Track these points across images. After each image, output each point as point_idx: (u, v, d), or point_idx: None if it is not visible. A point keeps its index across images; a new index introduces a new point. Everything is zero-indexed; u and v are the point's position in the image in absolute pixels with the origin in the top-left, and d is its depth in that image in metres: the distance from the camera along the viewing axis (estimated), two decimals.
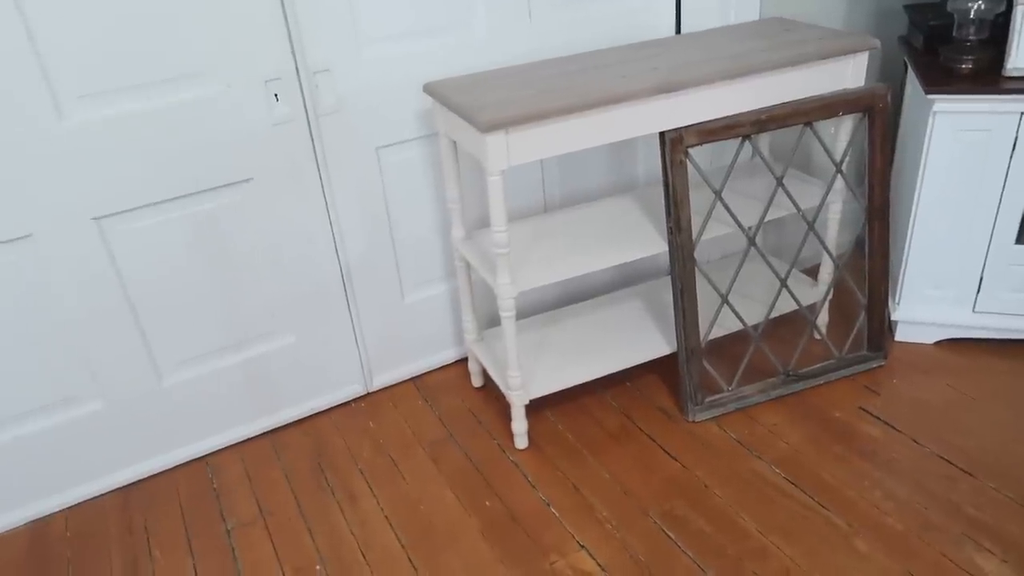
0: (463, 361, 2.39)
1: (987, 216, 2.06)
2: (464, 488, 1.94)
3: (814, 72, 1.88)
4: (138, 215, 1.82)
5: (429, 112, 2.04)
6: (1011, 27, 1.91)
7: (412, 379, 2.35)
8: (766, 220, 2.02)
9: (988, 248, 2.10)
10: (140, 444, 2.04)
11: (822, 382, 2.15)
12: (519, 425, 2.02)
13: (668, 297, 2.33)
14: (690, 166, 1.86)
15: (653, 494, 1.86)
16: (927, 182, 2.07)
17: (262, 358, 2.10)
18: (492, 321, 2.34)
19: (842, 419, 2.03)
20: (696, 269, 1.95)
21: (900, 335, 2.30)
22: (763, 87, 1.85)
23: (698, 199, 2.05)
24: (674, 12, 2.23)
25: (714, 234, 1.99)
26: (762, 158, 1.95)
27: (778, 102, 1.88)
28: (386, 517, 1.88)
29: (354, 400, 2.28)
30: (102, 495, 2.03)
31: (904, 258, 2.19)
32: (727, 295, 2.03)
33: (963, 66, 2.01)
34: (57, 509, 1.99)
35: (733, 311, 2.05)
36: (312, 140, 1.93)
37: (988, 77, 1.96)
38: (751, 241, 2.00)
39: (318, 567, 1.76)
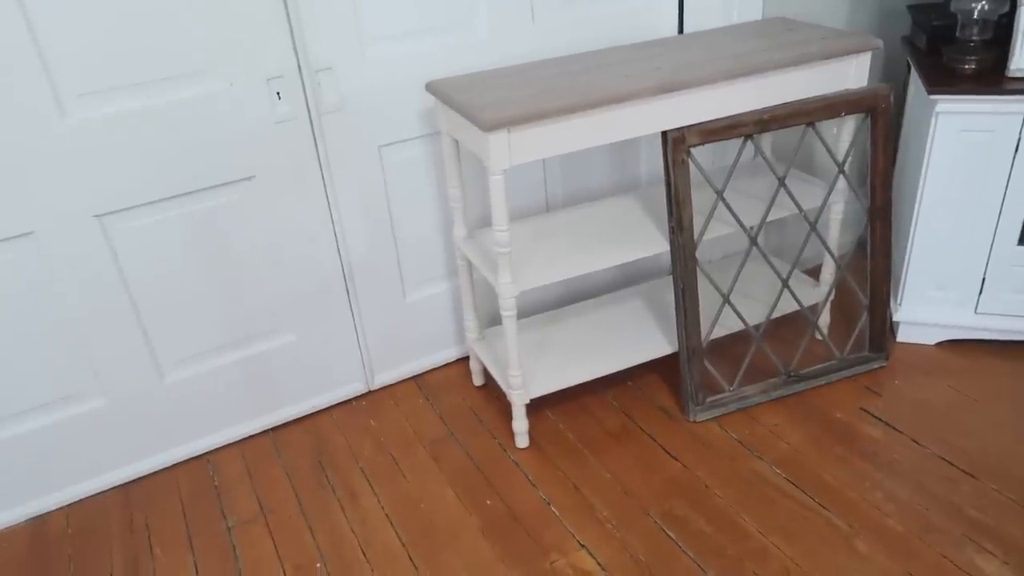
0: (464, 360, 2.39)
1: (990, 217, 2.06)
2: (465, 487, 1.94)
3: (817, 72, 1.88)
4: (140, 213, 1.82)
5: (431, 111, 2.04)
6: (1015, 28, 1.90)
7: (413, 378, 2.35)
8: (768, 220, 2.02)
9: (990, 249, 2.10)
10: (141, 441, 2.04)
11: (823, 383, 2.15)
12: (520, 424, 2.02)
13: (670, 297, 2.32)
14: (692, 166, 1.86)
15: (654, 494, 1.86)
16: (929, 183, 2.07)
17: (263, 356, 2.11)
18: (493, 320, 2.34)
19: (843, 420, 2.03)
20: (698, 269, 1.95)
21: (902, 336, 2.30)
22: (765, 87, 1.84)
23: (700, 199, 2.05)
24: (676, 12, 2.23)
25: (716, 234, 1.99)
26: (764, 158, 1.95)
27: (780, 102, 1.88)
28: (387, 515, 1.88)
29: (355, 398, 2.28)
30: (103, 492, 2.03)
31: (906, 259, 2.19)
32: (729, 295, 2.03)
33: (966, 67, 2.01)
34: (58, 506, 1.99)
35: (735, 311, 2.05)
36: (314, 138, 1.93)
37: (991, 78, 1.96)
38: (753, 241, 2.00)
39: (319, 565, 1.77)
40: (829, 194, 2.03)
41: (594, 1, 2.13)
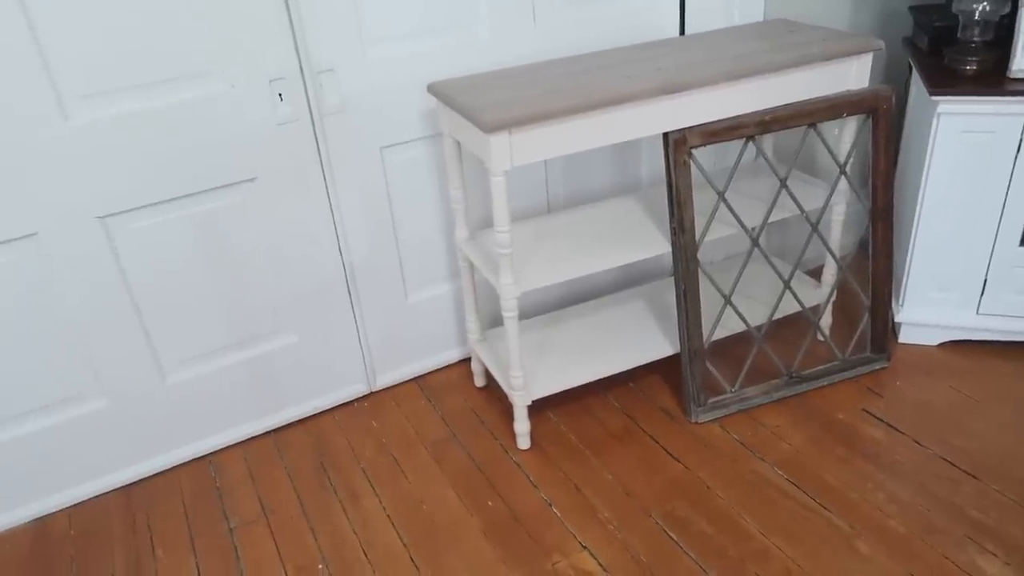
0: (466, 361, 2.39)
1: (991, 218, 2.06)
2: (466, 488, 1.94)
3: (818, 73, 1.88)
4: (142, 214, 1.83)
5: (433, 112, 2.04)
6: (1016, 29, 1.90)
7: (415, 379, 2.35)
8: (770, 221, 2.02)
9: (992, 250, 2.10)
10: (143, 443, 2.04)
11: (825, 384, 2.15)
12: (521, 425, 2.02)
13: (671, 298, 2.32)
14: (694, 167, 1.86)
15: (655, 495, 1.86)
16: (931, 184, 2.07)
17: (265, 357, 2.11)
18: (495, 321, 2.34)
19: (845, 421, 2.03)
20: (699, 270, 1.95)
21: (903, 337, 2.29)
22: (767, 88, 1.84)
23: (701, 200, 2.05)
24: (678, 13, 2.23)
25: (717, 235, 1.99)
26: (766, 159, 1.95)
27: (782, 103, 1.88)
28: (388, 516, 1.88)
29: (357, 399, 2.29)
30: (105, 493, 2.03)
31: (908, 260, 2.19)
32: (730, 296, 2.03)
33: (968, 67, 2.01)
34: (60, 507, 1.99)
35: (736, 312, 2.05)
36: (316, 140, 1.93)
37: (993, 79, 1.96)
38: (754, 242, 2.00)
39: (320, 566, 1.77)
40: (831, 195, 2.03)
41: (595, 2, 2.13)
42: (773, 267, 2.08)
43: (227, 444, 2.14)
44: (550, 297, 2.44)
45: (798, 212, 2.02)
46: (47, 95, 1.63)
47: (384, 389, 2.32)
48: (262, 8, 1.76)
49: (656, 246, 1.95)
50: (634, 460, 1.97)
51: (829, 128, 2.21)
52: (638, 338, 2.17)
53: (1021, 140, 1.95)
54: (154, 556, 1.84)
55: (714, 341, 2.07)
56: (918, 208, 2.11)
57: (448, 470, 2.00)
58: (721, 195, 1.91)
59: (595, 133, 1.73)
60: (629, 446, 2.02)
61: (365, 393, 2.30)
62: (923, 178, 2.07)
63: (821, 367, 2.16)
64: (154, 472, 2.07)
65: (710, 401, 2.08)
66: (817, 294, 2.26)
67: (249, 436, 2.17)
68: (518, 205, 2.26)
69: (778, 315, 2.15)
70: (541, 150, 1.70)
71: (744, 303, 2.26)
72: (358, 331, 2.20)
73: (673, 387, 2.21)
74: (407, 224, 2.15)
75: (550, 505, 1.87)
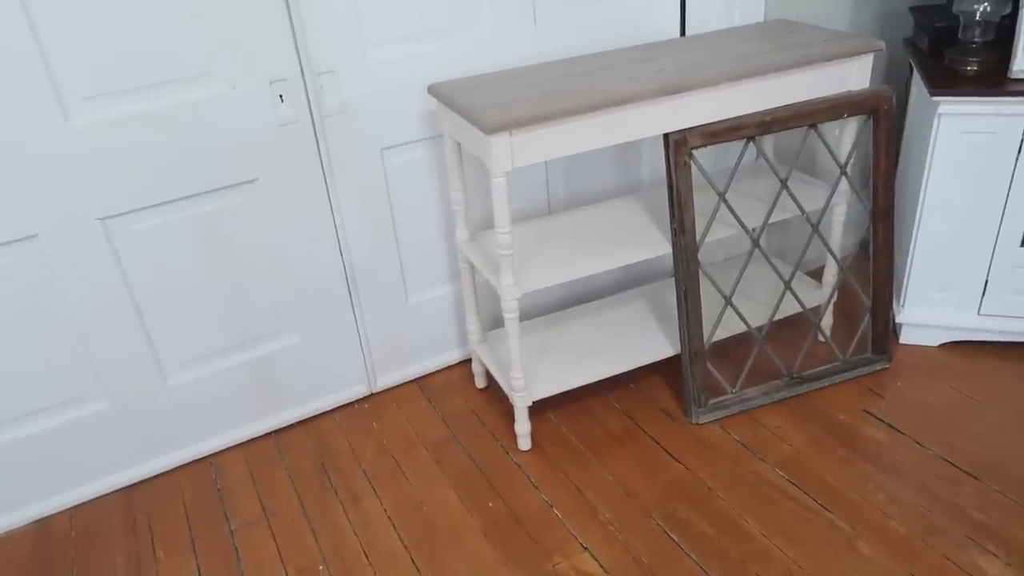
0: (467, 362, 2.39)
1: (992, 219, 2.06)
2: (467, 489, 1.94)
3: (819, 74, 1.88)
4: (143, 216, 1.83)
5: (433, 114, 2.04)
6: (1017, 29, 1.90)
7: (416, 380, 2.35)
8: (770, 222, 2.02)
9: (993, 251, 2.09)
10: (144, 444, 2.04)
11: (826, 384, 2.15)
12: (522, 426, 2.02)
13: (672, 299, 2.32)
14: (694, 168, 1.86)
15: (656, 496, 1.86)
16: (932, 184, 2.07)
17: (266, 358, 2.11)
18: (496, 322, 2.34)
19: (846, 422, 2.03)
20: (700, 271, 1.95)
21: (904, 338, 2.29)
22: (768, 89, 1.84)
23: (702, 201, 2.05)
24: (679, 14, 2.23)
25: (718, 236, 1.99)
26: (766, 160, 1.95)
27: (783, 104, 1.88)
28: (389, 518, 1.88)
29: (358, 401, 2.29)
30: (106, 495, 2.03)
31: (909, 260, 2.19)
32: (731, 297, 2.03)
33: (968, 68, 2.01)
34: (61, 509, 1.99)
35: (737, 313, 2.05)
36: (317, 141, 1.93)
37: (993, 79, 1.96)
38: (755, 243, 2.00)
39: (321, 567, 1.77)
40: (831, 196, 2.03)
41: (596, 3, 2.13)
42: (774, 268, 2.08)
43: (228, 445, 2.14)
44: (551, 298, 2.44)
45: (799, 213, 2.02)
46: (48, 96, 1.63)
47: (385, 390, 2.32)
48: (263, 9, 1.76)
49: (657, 247, 1.95)
50: (635, 461, 1.97)
51: (830, 129, 2.21)
52: (639, 339, 2.17)
53: (1022, 141, 1.95)
54: (155, 558, 1.84)
55: (715, 342, 2.07)
56: (919, 209, 2.11)
57: (449, 471, 2.00)
58: (722, 196, 1.91)
59: (596, 134, 1.73)
60: (630, 447, 2.02)
61: (366, 394, 2.30)
62: (924, 179, 2.07)
63: (822, 368, 2.16)
64: (155, 473, 2.07)
65: (711, 402, 2.08)
66: (818, 295, 2.26)
67: (250, 437, 2.17)
68: (519, 206, 2.27)
69: (779, 316, 2.15)
70: (542, 151, 1.70)
71: (745, 304, 2.26)
72: (359, 332, 2.20)
73: (674, 388, 2.21)
74: (408, 225, 2.15)
75: (551, 506, 1.87)
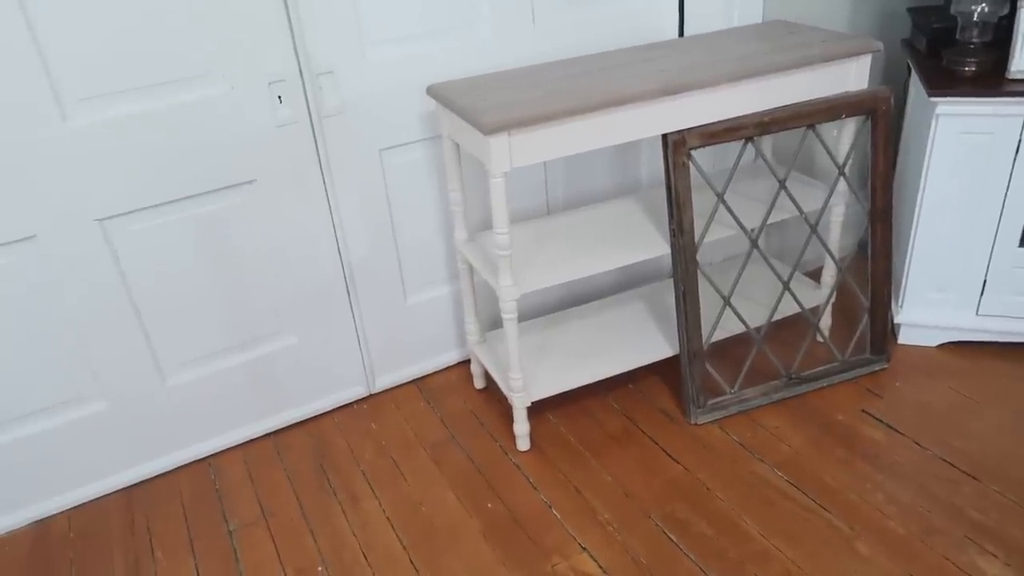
0: (465, 363, 2.39)
1: (990, 219, 2.06)
2: (466, 490, 1.94)
3: (817, 75, 1.88)
4: (141, 216, 1.83)
5: (432, 114, 2.04)
6: (1015, 30, 1.90)
7: (414, 381, 2.35)
8: (769, 223, 2.02)
9: (991, 251, 2.10)
10: (143, 445, 2.04)
11: (824, 385, 2.15)
12: (521, 427, 2.02)
13: (670, 299, 2.33)
14: (693, 168, 1.86)
15: (655, 496, 1.86)
16: (930, 185, 2.07)
17: (265, 359, 2.11)
18: (494, 323, 2.34)
19: (844, 422, 2.03)
20: (699, 271, 1.95)
21: (903, 338, 2.30)
22: (766, 89, 1.85)
23: (701, 201, 2.05)
24: (678, 14, 2.23)
25: (717, 236, 1.99)
26: (765, 160, 1.95)
27: (781, 104, 1.88)
28: (388, 518, 1.88)
29: (356, 401, 2.29)
30: (105, 496, 2.03)
31: (907, 261, 2.19)
32: (729, 297, 2.03)
33: (966, 69, 2.01)
34: (60, 510, 1.99)
35: (736, 313, 2.05)
36: (315, 142, 1.93)
37: (991, 80, 1.96)
38: (754, 243, 2.00)
39: (320, 568, 1.77)
40: (830, 196, 2.03)
41: (595, 3, 2.13)
42: (772, 268, 2.08)
43: (227, 446, 2.14)
44: (549, 299, 2.44)
45: (797, 213, 2.02)
46: (46, 96, 1.63)
47: (383, 391, 2.32)
48: (262, 10, 1.76)
49: (655, 247, 1.95)
50: (634, 461, 1.97)
51: (828, 129, 2.21)
52: (637, 339, 2.17)
53: (1020, 141, 1.95)
54: (153, 558, 1.84)
55: (713, 342, 2.07)
56: (917, 209, 2.11)
57: (448, 472, 2.00)
58: (720, 196, 1.92)
59: (595, 134, 1.73)
60: (629, 448, 2.02)
61: (364, 395, 2.30)
62: (922, 179, 2.07)
63: (820, 368, 2.16)
64: (154, 474, 2.07)
65: (709, 402, 2.08)
66: (816, 295, 2.26)
67: (249, 438, 2.17)
68: (517, 207, 2.27)
69: (777, 316, 2.15)
70: (540, 152, 1.70)
71: (743, 304, 2.26)
72: (358, 333, 2.20)
73: (672, 388, 2.21)
74: (406, 226, 2.15)
75: (550, 507, 1.87)
